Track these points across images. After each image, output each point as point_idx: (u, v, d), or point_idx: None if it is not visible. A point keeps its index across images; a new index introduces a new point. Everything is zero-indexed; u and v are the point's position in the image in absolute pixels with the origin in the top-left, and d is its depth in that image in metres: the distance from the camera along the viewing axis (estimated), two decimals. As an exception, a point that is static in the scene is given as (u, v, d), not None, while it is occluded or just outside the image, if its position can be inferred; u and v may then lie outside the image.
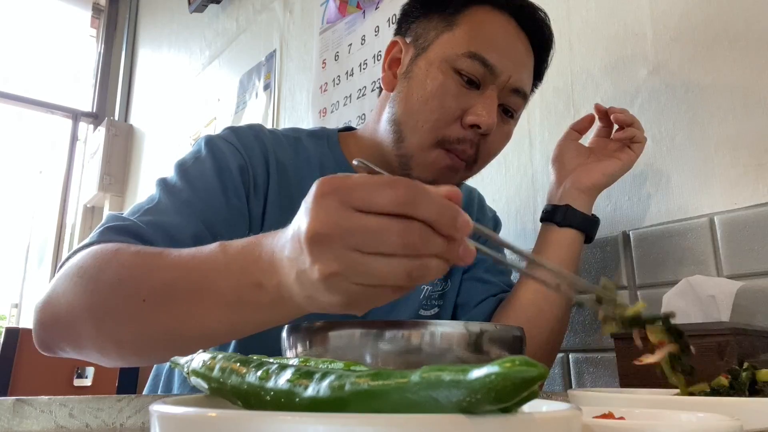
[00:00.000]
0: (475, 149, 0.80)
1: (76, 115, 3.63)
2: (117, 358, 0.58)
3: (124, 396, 0.46)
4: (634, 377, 0.76)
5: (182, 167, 0.75)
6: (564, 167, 0.92)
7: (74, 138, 3.60)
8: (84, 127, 3.65)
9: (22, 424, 0.43)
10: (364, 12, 1.72)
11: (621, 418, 0.37)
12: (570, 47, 1.16)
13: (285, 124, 1.99)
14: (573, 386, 1.04)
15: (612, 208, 1.05)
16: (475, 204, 1.01)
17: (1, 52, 3.60)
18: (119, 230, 0.64)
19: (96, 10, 3.81)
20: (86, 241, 0.63)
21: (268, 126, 2.02)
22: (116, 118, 3.46)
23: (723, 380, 0.51)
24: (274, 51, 2.10)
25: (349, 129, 0.95)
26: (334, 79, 1.78)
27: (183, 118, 2.72)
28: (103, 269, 0.56)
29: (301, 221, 0.41)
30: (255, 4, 2.29)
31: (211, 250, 0.52)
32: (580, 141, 0.96)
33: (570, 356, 1.06)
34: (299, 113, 1.92)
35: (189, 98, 2.70)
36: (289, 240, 0.43)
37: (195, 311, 0.51)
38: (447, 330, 0.50)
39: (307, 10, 1.97)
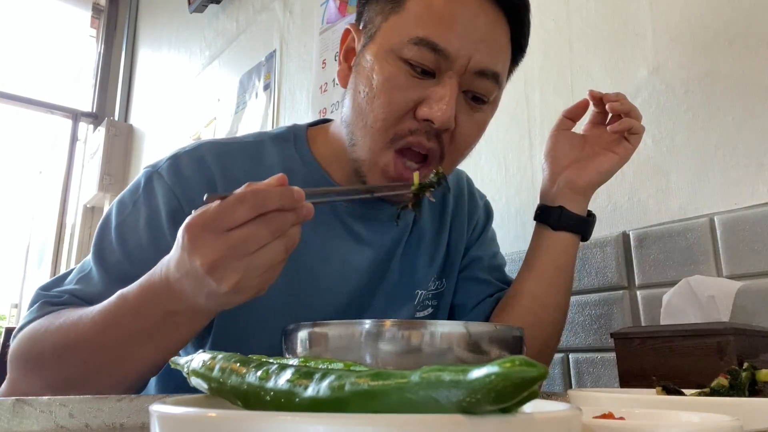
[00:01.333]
0: (434, 141, 0.70)
1: (76, 115, 3.63)
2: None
3: (124, 396, 0.46)
4: (634, 377, 0.76)
5: (119, 220, 0.73)
6: (557, 162, 0.85)
7: (74, 138, 3.60)
8: (84, 127, 3.65)
9: (22, 424, 0.43)
10: (364, 12, 1.72)
11: (621, 418, 0.37)
12: (570, 47, 1.16)
13: (285, 123, 1.98)
14: (573, 386, 1.04)
15: (612, 208, 1.05)
16: (465, 191, 0.93)
17: (1, 52, 3.60)
18: (53, 304, 0.68)
19: (96, 10, 3.81)
20: (25, 319, 0.68)
21: (268, 127, 2.03)
22: (116, 118, 3.46)
23: (723, 380, 0.51)
24: (274, 51, 2.10)
25: (325, 121, 0.88)
26: (334, 79, 1.78)
27: (183, 118, 2.72)
28: (42, 348, 0.63)
29: (191, 261, 0.52)
30: (255, 4, 2.29)
31: (115, 304, 0.60)
32: (573, 129, 0.89)
33: (570, 356, 1.06)
34: (299, 113, 1.92)
35: (189, 98, 2.70)
36: (185, 277, 0.53)
37: (129, 356, 0.61)
38: (447, 330, 0.50)
39: (307, 10, 1.97)
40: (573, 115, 0.87)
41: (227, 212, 0.50)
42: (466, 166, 1.34)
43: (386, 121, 0.69)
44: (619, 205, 1.04)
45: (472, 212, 0.93)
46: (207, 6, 2.56)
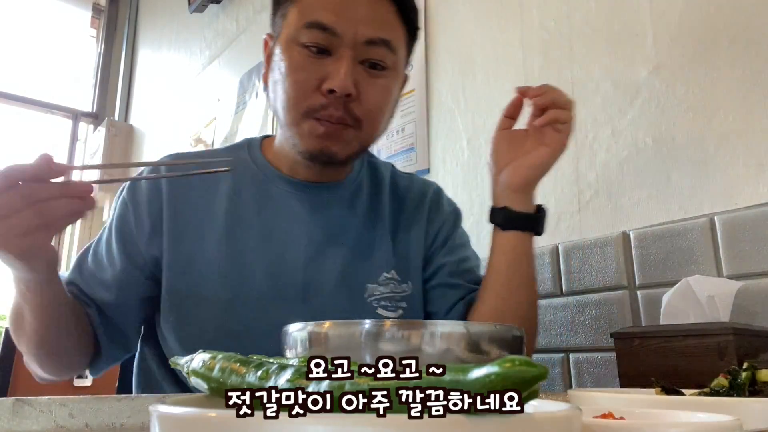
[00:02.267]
0: (342, 110, 0.78)
1: (76, 115, 3.63)
2: (53, 366, 0.81)
3: (123, 396, 0.46)
4: (634, 377, 0.76)
5: (96, 242, 0.88)
6: (497, 164, 0.87)
7: (74, 138, 3.60)
8: (84, 127, 3.65)
9: (22, 424, 0.43)
10: (364, 12, 1.72)
11: (621, 418, 0.37)
12: (570, 47, 1.16)
13: (285, 124, 1.99)
14: (573, 386, 1.04)
15: (612, 208, 1.05)
16: (427, 200, 0.96)
17: (1, 52, 3.60)
18: None
19: (96, 10, 3.81)
20: None
21: (268, 126, 2.03)
22: (116, 118, 3.46)
23: (723, 380, 0.51)
24: (274, 51, 2.10)
25: None
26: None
27: (183, 119, 2.72)
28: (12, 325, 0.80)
29: None
30: (255, 4, 2.29)
31: None
32: (516, 127, 0.89)
33: (570, 356, 1.06)
34: (299, 113, 1.92)
35: (189, 98, 2.70)
36: None
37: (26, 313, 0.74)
38: (447, 330, 0.50)
39: (307, 10, 1.97)
40: (511, 113, 0.89)
41: None
42: (466, 165, 1.34)
43: (297, 98, 0.79)
44: (619, 205, 1.04)
45: (433, 220, 0.95)
46: (207, 6, 2.56)
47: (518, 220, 0.83)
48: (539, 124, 0.82)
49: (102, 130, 3.33)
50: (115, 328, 0.82)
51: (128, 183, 0.88)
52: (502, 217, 0.84)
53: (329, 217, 0.88)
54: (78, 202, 0.62)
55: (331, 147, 0.80)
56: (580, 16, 1.15)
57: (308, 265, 0.84)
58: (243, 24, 2.36)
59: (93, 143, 3.46)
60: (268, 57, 0.87)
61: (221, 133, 2.34)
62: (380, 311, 0.86)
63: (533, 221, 0.84)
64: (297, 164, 0.86)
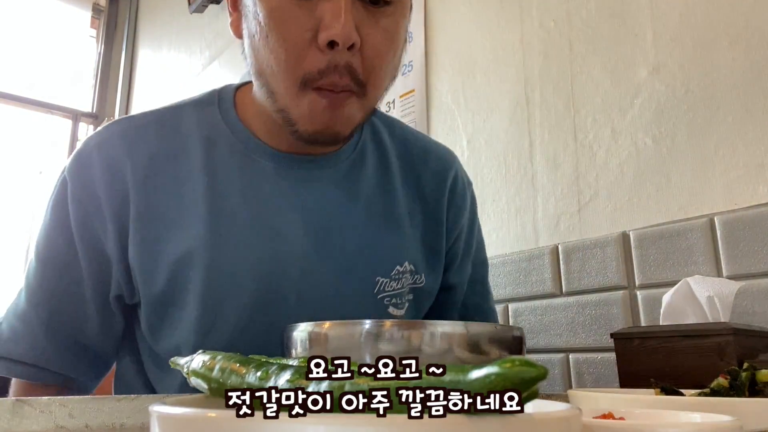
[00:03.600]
0: (347, 76, 0.62)
1: (76, 116, 3.63)
2: None
3: (123, 396, 0.46)
4: (633, 377, 0.76)
5: (37, 243, 0.71)
6: None
7: (74, 138, 3.60)
8: (84, 127, 3.65)
9: (22, 424, 0.43)
10: (364, 12, 1.72)
11: (621, 418, 0.37)
12: (570, 47, 1.16)
13: (285, 124, 1.98)
14: (573, 386, 1.04)
15: (612, 208, 1.05)
16: (449, 176, 0.82)
17: (1, 52, 3.60)
18: None
19: (96, 10, 3.81)
20: None
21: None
22: (116, 118, 3.46)
23: (723, 381, 0.51)
24: (274, 51, 2.10)
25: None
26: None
27: (183, 119, 2.72)
28: None
29: None
30: (255, 5, 2.29)
31: None
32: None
33: (570, 356, 1.06)
34: (299, 113, 1.92)
35: (189, 98, 2.70)
36: None
37: None
38: (447, 330, 0.50)
39: (307, 11, 1.97)
40: None
41: None
42: (465, 165, 1.34)
43: (288, 60, 0.61)
44: (619, 206, 1.04)
45: (454, 208, 0.81)
46: (207, 6, 2.56)
47: None
48: None
49: (102, 131, 3.33)
50: (98, 367, 0.73)
51: (71, 165, 0.69)
52: None
53: (328, 197, 0.72)
54: None
55: (335, 125, 0.64)
56: (580, 17, 1.15)
57: (305, 261, 0.69)
58: (243, 24, 2.36)
59: (93, 143, 3.46)
60: (233, 3, 0.70)
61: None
62: (391, 309, 0.73)
63: None
64: (280, 131, 0.69)
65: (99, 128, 0.73)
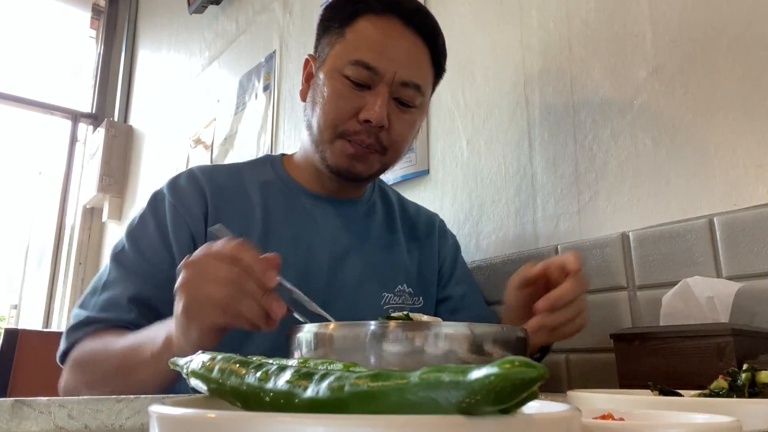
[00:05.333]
0: (373, 138, 0.90)
1: (75, 116, 3.63)
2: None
3: (123, 397, 0.46)
4: (634, 378, 0.76)
5: (130, 232, 0.91)
6: (520, 321, 0.83)
7: (74, 139, 3.60)
8: (83, 128, 3.65)
9: (21, 425, 0.43)
10: (363, 13, 1.72)
11: (621, 419, 0.37)
12: (569, 48, 1.16)
13: (285, 124, 1.99)
14: (573, 387, 1.04)
15: (611, 208, 1.05)
16: (436, 226, 1.11)
17: (0, 52, 3.60)
18: (81, 326, 0.84)
19: (96, 11, 3.81)
20: (63, 346, 0.86)
21: (268, 127, 2.03)
22: (116, 119, 3.46)
23: (722, 382, 0.51)
24: (274, 52, 2.10)
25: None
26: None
27: (182, 119, 2.72)
28: (86, 357, 0.82)
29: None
30: (255, 5, 2.29)
31: (139, 343, 0.75)
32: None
33: (570, 356, 1.06)
34: (299, 114, 1.92)
35: (188, 99, 2.70)
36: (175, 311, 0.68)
37: (142, 370, 0.73)
38: (450, 331, 0.50)
39: (307, 11, 1.97)
40: (531, 282, 0.85)
41: (212, 257, 0.64)
42: (465, 166, 1.34)
43: (335, 120, 0.90)
44: (618, 206, 1.04)
45: (442, 247, 1.10)
46: (207, 7, 2.56)
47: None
48: (563, 337, 0.80)
49: (101, 131, 3.33)
50: None
51: (166, 186, 0.94)
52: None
53: (349, 229, 0.99)
54: (263, 317, 0.64)
55: (357, 166, 0.92)
56: (580, 17, 1.15)
57: (330, 273, 0.93)
58: (242, 25, 2.36)
59: (92, 144, 3.46)
60: (309, 76, 0.98)
61: (221, 134, 2.34)
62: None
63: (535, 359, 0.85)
64: (320, 179, 0.98)
65: (184, 171, 0.99)
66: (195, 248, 0.83)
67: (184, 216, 0.90)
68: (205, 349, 0.37)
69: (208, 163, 2.31)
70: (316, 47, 0.99)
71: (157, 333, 0.72)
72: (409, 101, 0.92)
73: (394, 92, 0.90)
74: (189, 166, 1.06)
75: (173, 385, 0.75)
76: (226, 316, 0.63)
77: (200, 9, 2.58)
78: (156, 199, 0.93)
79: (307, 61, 1.00)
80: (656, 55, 1.02)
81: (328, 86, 0.91)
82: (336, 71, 0.91)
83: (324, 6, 1.00)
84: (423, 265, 1.05)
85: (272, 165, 1.03)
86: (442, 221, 1.16)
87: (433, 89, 1.00)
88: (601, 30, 1.11)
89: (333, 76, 0.91)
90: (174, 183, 0.94)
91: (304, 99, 0.99)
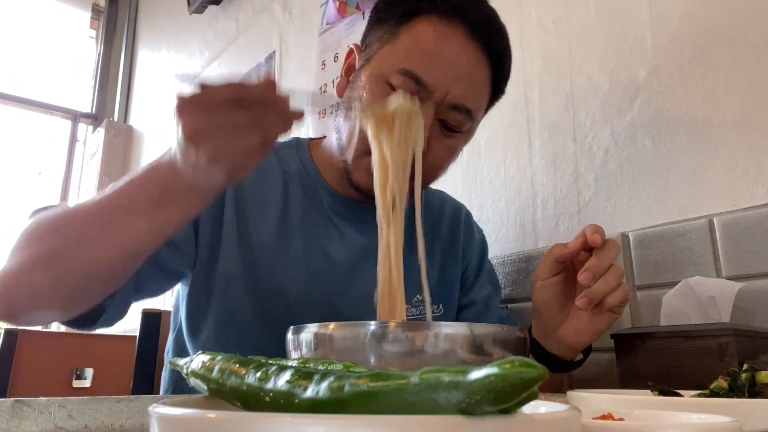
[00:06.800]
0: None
1: (75, 116, 3.63)
2: (68, 295, 0.66)
3: (123, 397, 0.46)
4: (634, 378, 0.76)
5: None
6: (552, 317, 0.81)
7: (73, 139, 3.60)
8: (83, 128, 3.65)
9: (21, 425, 0.43)
10: (363, 13, 1.72)
11: (621, 419, 0.37)
12: (569, 49, 1.16)
13: (284, 125, 1.98)
14: (573, 387, 1.04)
15: (611, 209, 1.05)
16: (462, 221, 1.02)
17: (0, 53, 3.60)
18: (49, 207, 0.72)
19: (95, 11, 3.81)
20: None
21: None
22: (115, 119, 3.46)
23: (722, 382, 0.51)
24: (274, 52, 2.10)
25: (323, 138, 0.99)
26: (333, 80, 1.78)
27: (182, 119, 2.71)
28: (43, 223, 0.67)
29: (177, 130, 0.59)
30: (254, 5, 2.29)
31: (120, 183, 0.65)
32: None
33: (569, 357, 1.06)
34: (299, 114, 1.92)
35: (188, 99, 2.70)
36: (177, 148, 0.60)
37: (119, 227, 0.63)
38: (450, 331, 0.50)
39: (307, 11, 1.97)
40: (563, 259, 0.80)
41: (210, 90, 0.57)
42: (465, 166, 1.34)
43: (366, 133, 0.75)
44: (618, 206, 1.04)
45: (467, 248, 1.00)
46: (206, 7, 2.56)
47: (561, 367, 0.84)
48: (602, 312, 0.77)
49: (101, 131, 3.33)
50: (139, 283, 0.76)
51: None
52: (546, 361, 0.81)
53: (367, 234, 0.88)
54: (290, 121, 0.60)
55: None
56: (579, 17, 1.15)
57: (345, 279, 0.86)
58: (242, 25, 2.36)
59: (92, 144, 3.46)
60: (349, 69, 0.87)
61: (221, 134, 2.33)
62: None
63: (574, 365, 0.85)
64: (342, 179, 0.87)
65: None
66: (198, 225, 0.82)
67: None
68: None
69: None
70: (364, 38, 0.87)
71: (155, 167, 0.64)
72: (456, 126, 0.80)
73: (440, 113, 0.78)
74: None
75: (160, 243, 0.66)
76: (256, 156, 0.60)
77: (200, 9, 2.58)
78: None
79: (350, 51, 0.88)
80: (656, 56, 1.02)
81: (368, 92, 0.79)
82: (381, 76, 0.78)
83: None
84: (445, 269, 0.96)
85: (298, 150, 0.94)
86: (468, 214, 1.05)
87: (485, 113, 0.88)
88: (600, 30, 1.11)
89: (376, 82, 0.78)
90: None
91: (340, 94, 0.87)
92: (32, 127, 3.63)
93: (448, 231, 0.99)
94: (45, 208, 0.72)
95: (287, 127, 0.60)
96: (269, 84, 0.58)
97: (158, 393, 0.98)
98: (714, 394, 0.50)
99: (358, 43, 0.88)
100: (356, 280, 0.87)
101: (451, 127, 0.80)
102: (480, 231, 1.06)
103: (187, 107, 0.58)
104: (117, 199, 0.64)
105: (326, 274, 0.86)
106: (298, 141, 0.96)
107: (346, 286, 0.87)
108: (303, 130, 1.81)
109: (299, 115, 0.60)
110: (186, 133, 0.58)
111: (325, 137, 0.97)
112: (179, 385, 0.88)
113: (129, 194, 0.64)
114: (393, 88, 0.76)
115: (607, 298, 0.73)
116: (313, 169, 0.91)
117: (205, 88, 0.57)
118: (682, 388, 0.54)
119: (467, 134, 0.85)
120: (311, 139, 0.98)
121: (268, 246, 0.84)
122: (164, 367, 0.96)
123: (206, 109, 0.57)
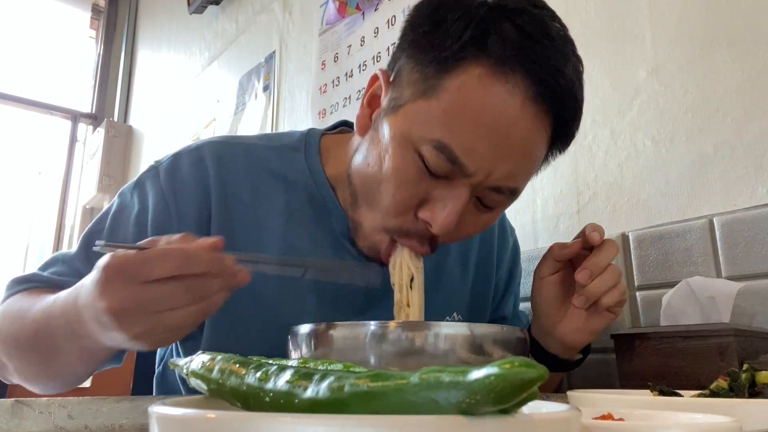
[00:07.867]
0: (427, 246, 0.67)
1: (75, 116, 3.63)
2: (35, 387, 0.68)
3: (123, 397, 0.46)
4: (633, 378, 0.76)
5: (117, 209, 0.76)
6: (550, 316, 0.78)
7: (73, 139, 3.60)
8: (83, 128, 3.65)
9: (21, 425, 0.43)
10: (363, 13, 1.72)
11: (620, 419, 0.37)
12: (569, 48, 1.16)
13: (284, 125, 1.99)
14: (572, 387, 1.04)
15: (611, 209, 1.05)
16: (495, 228, 0.90)
17: (0, 52, 3.60)
18: (22, 281, 0.71)
19: (95, 11, 3.81)
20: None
21: (267, 128, 2.03)
22: (115, 119, 3.46)
23: (722, 382, 0.51)
24: (274, 52, 2.10)
25: (345, 124, 0.84)
26: (333, 81, 1.78)
27: (182, 120, 2.72)
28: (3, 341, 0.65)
29: (97, 301, 0.49)
30: (254, 5, 2.29)
31: (48, 308, 0.60)
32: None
33: (569, 357, 1.06)
34: (299, 114, 1.92)
35: (188, 99, 2.70)
36: (90, 310, 0.51)
37: (54, 360, 0.61)
38: (450, 331, 0.50)
39: (307, 12, 1.97)
40: (563, 258, 0.76)
41: (147, 264, 0.48)
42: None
43: (387, 212, 0.65)
44: (618, 207, 1.04)
45: (501, 258, 0.90)
46: (206, 7, 2.56)
47: (564, 365, 0.83)
48: (599, 311, 0.74)
49: (101, 131, 3.33)
50: None
51: (167, 163, 0.75)
52: (545, 360, 0.80)
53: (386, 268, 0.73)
54: (235, 287, 0.53)
55: (386, 264, 0.68)
56: (579, 17, 1.15)
57: (362, 310, 0.76)
58: (242, 25, 2.36)
59: (92, 144, 3.46)
60: (373, 100, 0.70)
61: (220, 134, 2.34)
62: None
63: (574, 364, 0.84)
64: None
65: (195, 143, 0.79)
66: None
67: (173, 214, 0.72)
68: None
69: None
70: (392, 62, 0.68)
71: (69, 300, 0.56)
72: (494, 205, 0.67)
73: (477, 191, 0.64)
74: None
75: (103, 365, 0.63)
76: (191, 328, 0.52)
77: (200, 9, 2.58)
78: (149, 178, 0.75)
79: (375, 78, 0.70)
80: (655, 56, 1.02)
81: (392, 156, 0.63)
82: (409, 141, 0.62)
83: (418, 6, 0.67)
84: (477, 285, 0.87)
85: (306, 153, 0.77)
86: (503, 216, 0.92)
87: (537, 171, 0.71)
88: (600, 30, 1.11)
89: (403, 145, 0.62)
90: (174, 165, 0.74)
91: (362, 132, 0.70)
92: (32, 127, 3.63)
93: (478, 240, 0.87)
94: (10, 294, 0.69)
95: (229, 293, 0.53)
96: (215, 250, 0.51)
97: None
98: (714, 394, 0.50)
99: (384, 68, 0.70)
100: (375, 312, 0.76)
101: (488, 205, 0.66)
102: (513, 232, 0.96)
103: (115, 278, 0.48)
104: (45, 331, 0.59)
105: (339, 312, 0.74)
106: (306, 140, 0.79)
107: (364, 318, 0.74)
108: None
109: (246, 278, 0.52)
110: (110, 310, 0.49)
111: (340, 130, 0.82)
112: (169, 393, 0.82)
113: (52, 329, 0.59)
114: (423, 160, 0.61)
115: (603, 298, 0.70)
116: (324, 182, 0.76)
117: (142, 259, 0.48)
118: (682, 388, 0.54)
119: (503, 206, 0.70)
120: (323, 133, 0.81)
121: (272, 282, 0.70)
122: (155, 373, 0.88)
123: (139, 285, 0.48)
